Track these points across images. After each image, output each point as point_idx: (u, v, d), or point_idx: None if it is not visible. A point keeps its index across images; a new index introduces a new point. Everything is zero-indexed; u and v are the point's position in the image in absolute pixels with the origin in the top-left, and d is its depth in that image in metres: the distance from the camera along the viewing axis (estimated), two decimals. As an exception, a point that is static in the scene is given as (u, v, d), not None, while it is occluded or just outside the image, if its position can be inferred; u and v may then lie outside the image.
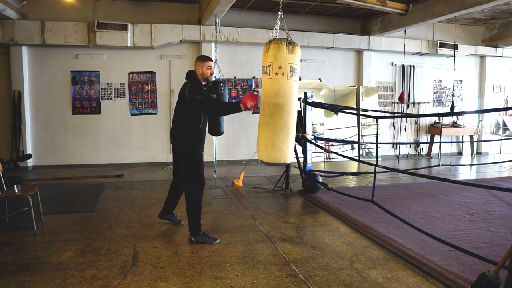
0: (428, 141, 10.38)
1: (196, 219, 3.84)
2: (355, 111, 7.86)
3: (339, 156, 6.73)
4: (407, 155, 10.32)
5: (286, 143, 4.09)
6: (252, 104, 3.67)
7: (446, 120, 10.36)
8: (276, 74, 3.97)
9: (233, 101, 3.88)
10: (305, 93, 6.09)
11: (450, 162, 8.81)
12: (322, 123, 9.42)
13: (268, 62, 4.03)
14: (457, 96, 10.68)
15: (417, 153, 10.41)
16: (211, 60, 4.01)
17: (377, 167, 4.46)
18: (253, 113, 9.13)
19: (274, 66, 3.97)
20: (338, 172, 7.35)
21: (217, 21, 7.43)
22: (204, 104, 3.80)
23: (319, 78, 9.42)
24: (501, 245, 3.66)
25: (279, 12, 4.33)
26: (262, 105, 4.21)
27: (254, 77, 9.12)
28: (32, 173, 7.82)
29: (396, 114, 8.92)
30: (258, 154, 4.30)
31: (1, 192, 4.43)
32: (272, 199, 5.70)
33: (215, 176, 7.43)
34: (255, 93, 3.88)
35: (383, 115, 8.14)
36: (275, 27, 4.31)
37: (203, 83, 3.99)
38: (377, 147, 5.95)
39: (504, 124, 10.91)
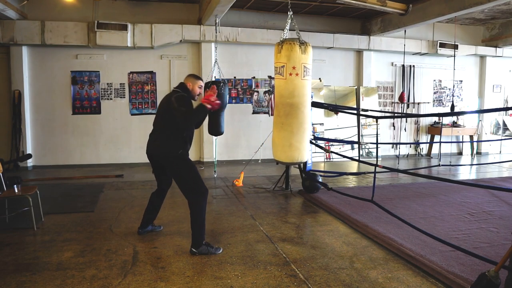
0: (428, 141, 10.38)
1: (201, 231, 3.61)
2: (355, 111, 7.86)
3: (339, 156, 6.73)
4: (407, 155, 10.32)
5: (303, 142, 4.09)
6: (213, 98, 3.57)
7: (446, 120, 10.36)
8: (290, 74, 3.96)
9: (199, 106, 3.69)
10: (305, 93, 6.08)
11: (450, 162, 8.81)
12: (322, 123, 9.42)
13: (281, 62, 4.02)
14: (457, 96, 10.68)
15: (417, 153, 10.41)
16: (203, 81, 3.96)
17: (377, 167, 4.46)
18: (253, 113, 9.15)
19: (288, 66, 3.96)
20: (338, 172, 7.35)
21: (217, 21, 7.43)
22: (181, 116, 3.58)
23: (319, 78, 9.42)
24: (501, 245, 3.66)
25: (288, 12, 4.34)
26: (276, 105, 4.20)
27: (254, 77, 9.12)
28: (32, 173, 7.82)
29: (396, 114, 8.92)
30: (275, 154, 4.28)
31: (1, 192, 4.43)
32: (272, 199, 5.70)
33: (215, 176, 7.43)
34: (213, 86, 3.74)
35: (383, 115, 8.14)
36: (286, 27, 4.31)
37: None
38: (377, 147, 5.94)
39: (504, 124, 10.91)
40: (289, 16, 4.30)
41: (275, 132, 4.17)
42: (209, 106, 3.59)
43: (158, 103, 9.32)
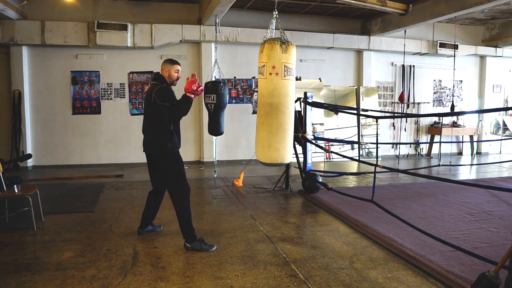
0: (428, 141, 10.38)
1: (188, 225, 3.68)
2: (355, 111, 7.86)
3: (339, 156, 6.73)
4: (407, 155, 10.32)
5: (283, 143, 4.06)
6: (195, 86, 3.50)
7: (446, 120, 10.36)
8: (270, 74, 3.95)
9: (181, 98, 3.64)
10: (305, 93, 6.09)
11: (450, 162, 8.81)
12: (322, 123, 9.42)
13: (262, 62, 4.01)
14: (457, 96, 10.68)
15: (417, 153, 10.41)
16: (180, 65, 3.85)
17: (377, 167, 4.46)
18: (253, 113, 9.15)
19: (268, 66, 3.95)
20: (338, 172, 7.34)
21: (217, 21, 7.43)
22: (166, 113, 3.61)
23: (319, 78, 9.42)
24: (501, 245, 3.66)
25: (274, 12, 4.31)
26: (258, 105, 4.19)
27: (254, 77, 9.12)
28: (32, 173, 7.82)
29: (396, 114, 8.91)
30: (256, 154, 4.28)
31: (1, 192, 4.43)
32: (272, 199, 5.70)
33: (215, 176, 7.43)
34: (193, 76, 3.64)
35: (383, 115, 8.14)
36: (270, 26, 4.29)
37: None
38: (377, 147, 5.94)
39: (504, 124, 10.91)
40: (274, 15, 4.27)
41: (256, 132, 4.15)
42: (192, 96, 3.55)
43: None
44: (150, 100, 3.69)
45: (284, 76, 3.95)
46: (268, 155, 4.07)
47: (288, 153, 4.18)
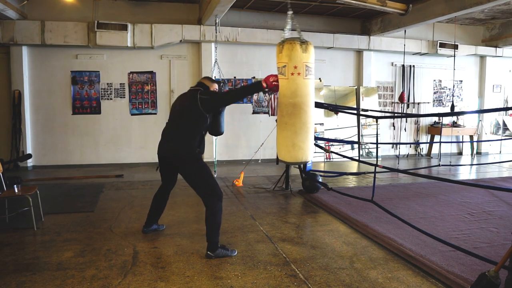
0: (428, 141, 10.38)
1: (216, 235, 3.53)
2: (355, 111, 7.86)
3: (339, 156, 6.73)
4: (407, 155, 10.32)
5: (306, 142, 4.12)
6: (272, 79, 3.69)
7: (446, 120, 10.36)
8: (292, 74, 3.98)
9: (252, 83, 3.83)
10: (305, 93, 6.07)
11: (450, 162, 8.81)
12: (322, 123, 9.42)
13: (282, 62, 4.04)
14: (457, 96, 10.68)
15: (417, 153, 10.41)
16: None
17: (377, 167, 4.46)
18: (253, 113, 9.15)
19: (289, 66, 3.98)
20: (338, 172, 7.35)
21: (217, 21, 7.43)
22: (226, 95, 3.87)
23: (319, 78, 9.42)
24: (501, 245, 3.66)
25: (288, 12, 4.34)
26: (280, 105, 4.24)
27: (254, 77, 9.12)
28: (32, 173, 7.82)
29: (396, 114, 8.92)
30: (279, 154, 4.32)
31: (1, 192, 4.43)
32: (272, 199, 5.70)
33: (215, 176, 7.43)
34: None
35: (383, 115, 8.14)
36: (287, 26, 4.33)
37: None
38: (377, 147, 5.95)
39: (504, 124, 10.91)
40: (289, 16, 4.30)
41: (278, 132, 4.19)
42: (264, 84, 3.72)
43: (158, 103, 9.25)
44: (190, 102, 3.74)
45: (306, 76, 4.00)
46: (293, 154, 4.13)
47: (310, 151, 4.24)
